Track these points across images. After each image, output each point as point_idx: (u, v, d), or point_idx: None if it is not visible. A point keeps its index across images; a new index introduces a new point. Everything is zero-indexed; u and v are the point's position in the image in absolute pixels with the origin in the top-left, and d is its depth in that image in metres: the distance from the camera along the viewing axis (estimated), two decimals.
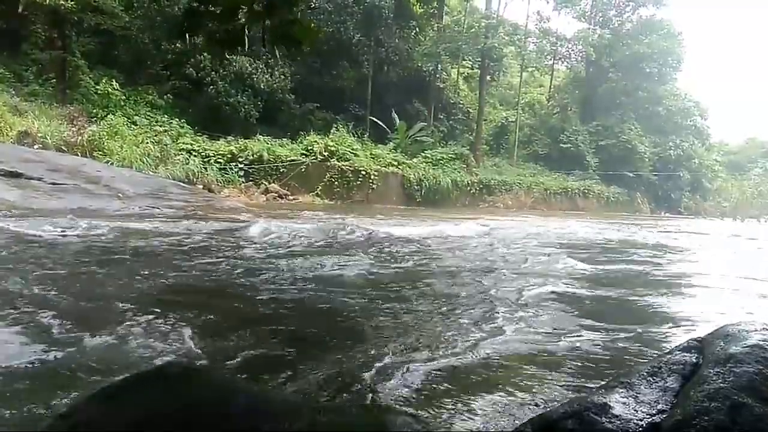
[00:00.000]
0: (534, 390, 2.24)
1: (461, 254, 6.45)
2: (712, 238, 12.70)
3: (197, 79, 18.68)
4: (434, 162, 22.21)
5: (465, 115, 28.96)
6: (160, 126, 16.80)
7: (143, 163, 13.79)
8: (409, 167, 20.82)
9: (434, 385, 2.23)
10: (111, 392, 1.28)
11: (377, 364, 2.41)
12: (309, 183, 17.71)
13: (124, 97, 17.66)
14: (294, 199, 16.73)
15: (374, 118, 23.29)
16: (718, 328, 1.58)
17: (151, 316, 2.86)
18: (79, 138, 13.24)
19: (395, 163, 20.60)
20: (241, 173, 16.41)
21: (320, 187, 17.80)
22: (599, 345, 2.92)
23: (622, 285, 4.86)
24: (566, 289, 4.48)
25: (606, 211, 25.88)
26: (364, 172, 18.64)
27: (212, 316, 3.05)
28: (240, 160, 16.62)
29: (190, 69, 18.63)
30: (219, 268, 4.63)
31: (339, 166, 18.30)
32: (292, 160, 17.59)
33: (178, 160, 15.00)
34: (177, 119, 17.78)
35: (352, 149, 19.30)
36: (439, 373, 2.37)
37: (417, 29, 26.48)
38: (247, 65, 19.07)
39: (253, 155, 16.90)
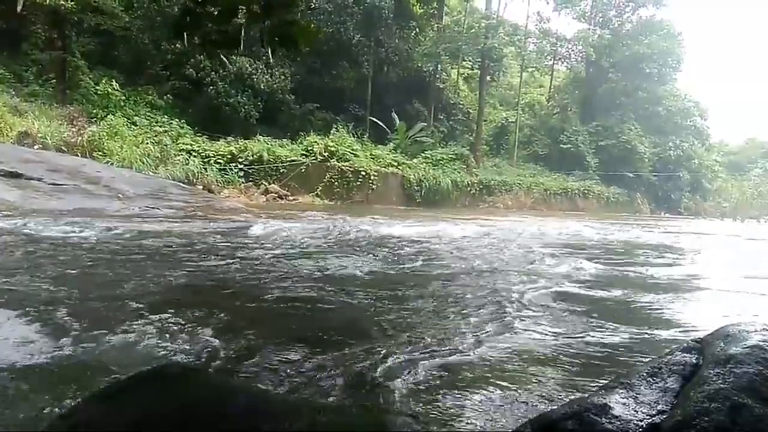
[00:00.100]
0: (534, 390, 2.24)
1: (462, 254, 6.44)
2: (712, 239, 12.70)
3: (197, 80, 18.70)
4: (434, 162, 22.21)
5: (465, 116, 28.97)
6: (160, 126, 16.81)
7: (143, 163, 13.78)
8: (409, 168, 20.81)
9: (435, 385, 2.23)
10: (110, 392, 1.28)
11: (379, 364, 2.41)
12: (309, 183, 17.70)
13: (124, 98, 17.67)
14: (294, 199, 16.73)
15: (374, 119, 23.29)
16: (718, 329, 1.57)
17: (163, 315, 2.94)
18: (79, 138, 13.25)
19: (395, 164, 20.60)
20: (241, 174, 16.40)
21: (320, 188, 17.80)
22: (600, 345, 2.92)
23: (622, 285, 4.86)
24: (567, 289, 4.48)
25: (606, 212, 25.87)
26: (364, 173, 18.63)
27: (222, 315, 3.09)
28: (240, 160, 16.61)
29: (190, 69, 18.64)
30: (222, 268, 4.65)
31: (339, 167, 18.28)
32: (292, 161, 17.58)
33: (178, 160, 14.99)
34: (177, 120, 17.79)
35: (352, 150, 19.29)
36: (439, 372, 2.37)
37: (417, 29, 26.51)
38: (247, 66, 19.08)
39: (253, 156, 16.90)
